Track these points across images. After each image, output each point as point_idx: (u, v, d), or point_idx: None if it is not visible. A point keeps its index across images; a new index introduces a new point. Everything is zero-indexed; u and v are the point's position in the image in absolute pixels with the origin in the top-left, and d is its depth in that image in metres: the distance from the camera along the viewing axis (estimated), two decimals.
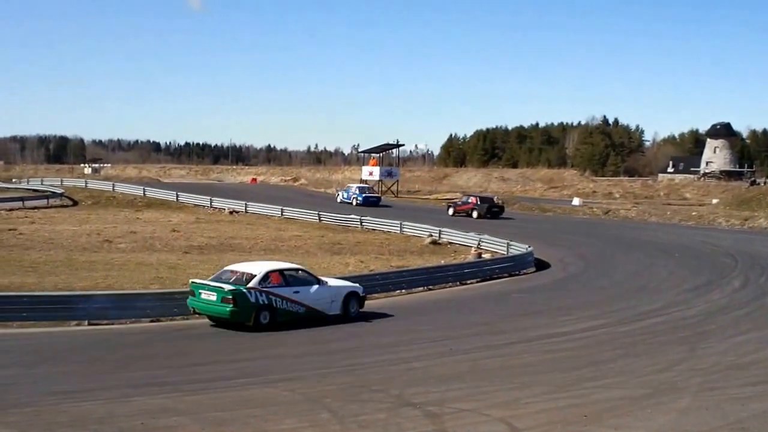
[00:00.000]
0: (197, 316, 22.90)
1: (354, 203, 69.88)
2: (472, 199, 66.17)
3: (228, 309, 21.76)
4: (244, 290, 22.05)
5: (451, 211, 64.92)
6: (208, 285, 22.62)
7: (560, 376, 16.05)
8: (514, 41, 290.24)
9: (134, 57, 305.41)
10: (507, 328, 22.40)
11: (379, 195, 76.61)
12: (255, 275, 22.72)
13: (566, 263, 37.76)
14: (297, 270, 24.53)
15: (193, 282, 23.35)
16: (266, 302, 22.34)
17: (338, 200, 73.33)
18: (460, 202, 67.10)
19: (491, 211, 62.93)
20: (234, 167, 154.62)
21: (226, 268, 24.20)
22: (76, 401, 13.61)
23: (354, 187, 74.99)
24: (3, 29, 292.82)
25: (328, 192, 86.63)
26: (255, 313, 22.09)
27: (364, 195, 72.04)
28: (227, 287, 21.97)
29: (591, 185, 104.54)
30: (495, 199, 68.33)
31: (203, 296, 22.47)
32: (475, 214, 62.48)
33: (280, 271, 23.59)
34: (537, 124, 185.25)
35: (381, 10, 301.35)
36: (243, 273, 22.97)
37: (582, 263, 37.80)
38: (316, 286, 23.65)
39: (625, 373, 16.55)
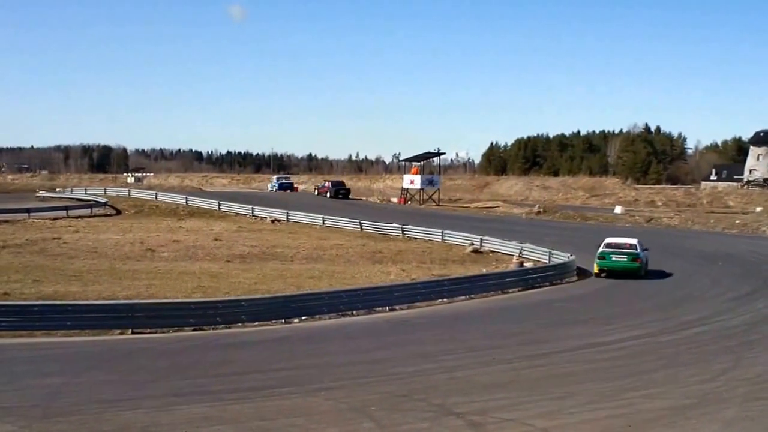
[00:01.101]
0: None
1: (274, 190, 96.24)
2: (327, 184, 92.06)
3: (637, 265, 35.56)
4: (641, 253, 36.14)
5: (316, 192, 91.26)
6: (619, 251, 36.10)
7: (603, 386, 15.91)
8: (555, 48, 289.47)
9: (177, 67, 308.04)
10: (549, 337, 22.26)
11: (292, 182, 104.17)
12: (635, 244, 37.00)
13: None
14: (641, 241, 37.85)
15: (602, 250, 36.23)
16: (644, 261, 36.38)
17: (268, 189, 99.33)
18: (321, 186, 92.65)
19: (339, 192, 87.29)
20: (275, 176, 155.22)
21: (606, 241, 37.35)
22: (119, 410, 13.68)
23: (275, 179, 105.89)
24: (47, 39, 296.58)
25: (370, 201, 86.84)
26: (644, 268, 36.05)
27: (280, 183, 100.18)
28: (634, 251, 36.19)
29: (633, 193, 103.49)
30: (345, 184, 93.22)
31: (614, 258, 35.87)
32: (328, 194, 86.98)
33: (639, 242, 37.28)
34: (578, 132, 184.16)
35: (422, 19, 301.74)
36: (626, 243, 37.34)
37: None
38: (645, 252, 36.86)
39: (669, 382, 16.35)
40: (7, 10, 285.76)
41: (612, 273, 35.39)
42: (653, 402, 14.68)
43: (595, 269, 36.24)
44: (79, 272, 33.83)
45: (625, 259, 35.50)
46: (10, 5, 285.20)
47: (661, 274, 36.75)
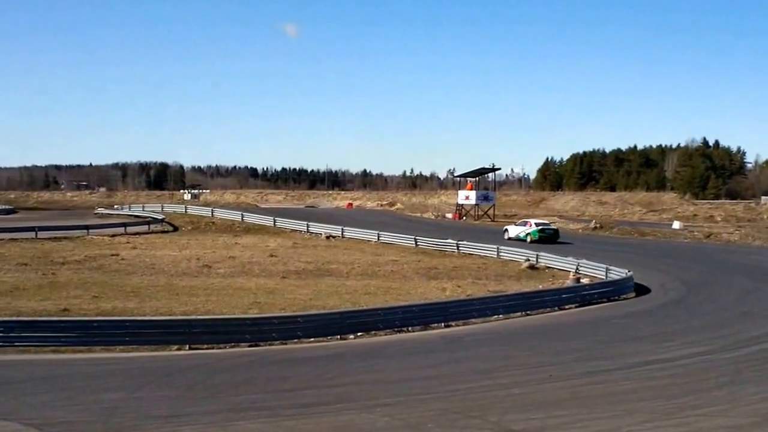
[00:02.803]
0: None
1: None
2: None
3: (558, 236, 59.12)
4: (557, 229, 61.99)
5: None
6: (548, 228, 60.13)
7: (663, 404, 15.68)
8: (611, 62, 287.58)
9: (232, 85, 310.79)
10: (607, 354, 22.02)
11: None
12: (550, 223, 64.08)
13: (667, 288, 37.01)
14: None
15: (539, 228, 59.21)
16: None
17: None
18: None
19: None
20: (330, 192, 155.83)
21: (534, 221, 62.26)
22: (177, 425, 13.76)
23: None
24: (104, 59, 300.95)
25: (425, 216, 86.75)
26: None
27: None
28: (554, 228, 61.60)
29: (691, 208, 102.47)
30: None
31: (546, 232, 58.97)
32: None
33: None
34: (635, 147, 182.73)
35: (475, 35, 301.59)
36: (548, 222, 64.19)
37: (683, 288, 37.00)
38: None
39: (730, 401, 16.08)
40: (65, 31, 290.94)
41: (543, 240, 57.40)
42: (714, 420, 14.45)
43: (530, 239, 58.35)
44: (137, 288, 34.15)
45: (552, 232, 60.13)
46: (67, 27, 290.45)
47: (721, 291, 36.25)
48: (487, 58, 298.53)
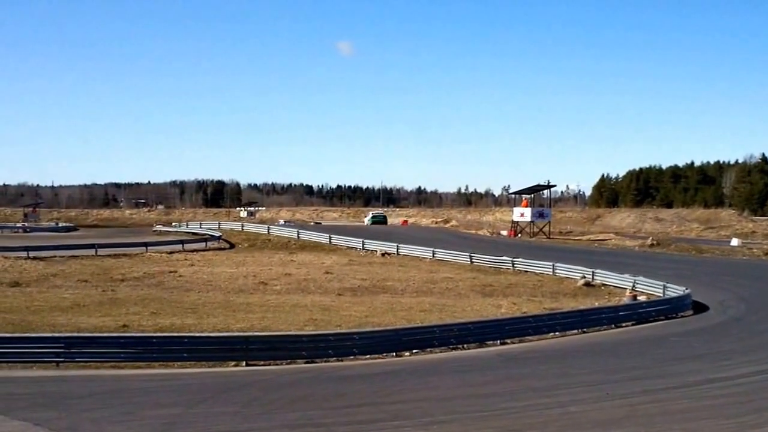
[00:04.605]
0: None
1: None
2: None
3: (386, 221, 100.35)
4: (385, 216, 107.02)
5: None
6: (379, 215, 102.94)
7: (722, 423, 15.50)
8: (667, 78, 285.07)
9: (288, 102, 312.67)
10: (665, 373, 21.80)
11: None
12: (382, 212, 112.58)
13: (726, 306, 36.52)
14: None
15: (373, 217, 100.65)
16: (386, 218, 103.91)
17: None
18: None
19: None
20: (385, 209, 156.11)
21: (372, 212, 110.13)
22: None
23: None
24: (163, 79, 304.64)
25: (480, 234, 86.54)
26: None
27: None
28: (384, 215, 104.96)
29: (750, 225, 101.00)
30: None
31: (377, 218, 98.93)
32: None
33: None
34: (692, 163, 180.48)
35: (530, 50, 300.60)
36: (381, 212, 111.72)
37: (743, 306, 36.51)
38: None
39: None
40: (124, 51, 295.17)
41: (375, 223, 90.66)
42: None
43: (368, 223, 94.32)
44: (195, 305, 34.52)
45: (381, 218, 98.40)
46: (126, 47, 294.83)
47: None
48: (542, 75, 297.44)
